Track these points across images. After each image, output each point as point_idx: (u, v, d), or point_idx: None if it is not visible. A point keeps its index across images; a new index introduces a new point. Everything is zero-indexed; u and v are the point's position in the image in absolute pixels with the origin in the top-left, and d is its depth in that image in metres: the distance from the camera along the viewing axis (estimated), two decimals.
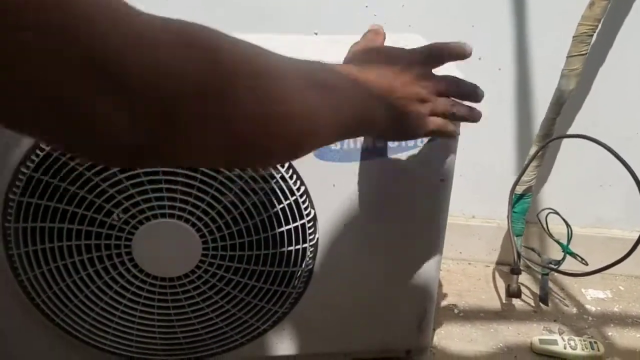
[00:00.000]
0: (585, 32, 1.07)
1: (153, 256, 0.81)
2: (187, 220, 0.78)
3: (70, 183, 0.75)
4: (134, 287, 0.83)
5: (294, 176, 0.78)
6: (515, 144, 1.27)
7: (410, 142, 0.77)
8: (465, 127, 1.20)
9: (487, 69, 1.18)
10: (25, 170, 0.74)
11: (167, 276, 0.83)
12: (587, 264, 1.15)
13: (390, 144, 0.77)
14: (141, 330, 0.88)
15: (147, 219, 0.78)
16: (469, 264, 1.38)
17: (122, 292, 0.84)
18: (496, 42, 1.16)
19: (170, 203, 0.77)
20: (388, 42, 0.90)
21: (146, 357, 0.91)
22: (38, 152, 0.73)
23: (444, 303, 1.23)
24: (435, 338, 1.12)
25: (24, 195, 0.75)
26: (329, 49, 0.90)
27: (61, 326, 0.86)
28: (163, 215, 0.78)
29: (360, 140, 0.76)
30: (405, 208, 0.82)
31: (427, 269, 0.89)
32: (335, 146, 0.76)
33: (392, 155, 0.77)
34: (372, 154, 0.77)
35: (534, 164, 1.20)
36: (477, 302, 1.24)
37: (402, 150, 0.77)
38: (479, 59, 1.17)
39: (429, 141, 0.77)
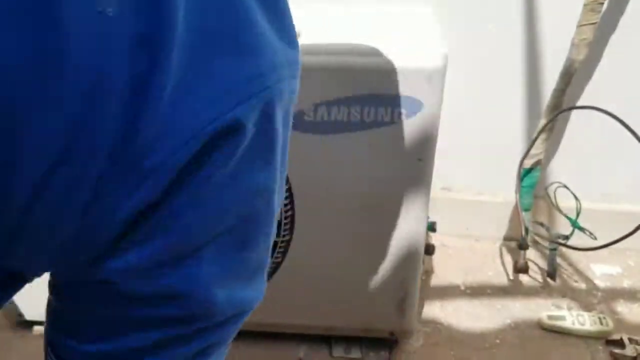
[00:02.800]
0: (596, 0, 1.00)
1: None
2: None
3: None
4: None
5: None
6: (524, 118, 1.20)
7: (387, 118, 0.74)
8: (474, 102, 1.17)
9: (497, 40, 1.12)
10: None
11: None
12: (595, 239, 1.10)
13: (366, 118, 0.74)
14: None
15: None
16: (476, 240, 1.33)
17: None
18: (507, 13, 1.10)
19: None
20: (395, 15, 0.87)
21: None
22: None
23: (450, 280, 1.20)
24: (442, 315, 1.10)
25: None
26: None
27: None
28: None
29: (334, 112, 0.74)
30: (383, 185, 0.80)
31: (408, 250, 0.86)
32: (309, 117, 0.75)
33: (367, 130, 0.75)
34: (346, 128, 0.75)
35: (542, 136, 1.14)
36: (484, 278, 1.21)
37: (378, 126, 0.75)
38: (489, 30, 1.10)
39: (406, 118, 0.74)
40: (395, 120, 0.74)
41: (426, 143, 0.76)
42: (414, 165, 0.78)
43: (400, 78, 0.71)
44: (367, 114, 0.74)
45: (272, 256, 0.87)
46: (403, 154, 0.77)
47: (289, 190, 0.81)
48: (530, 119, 1.20)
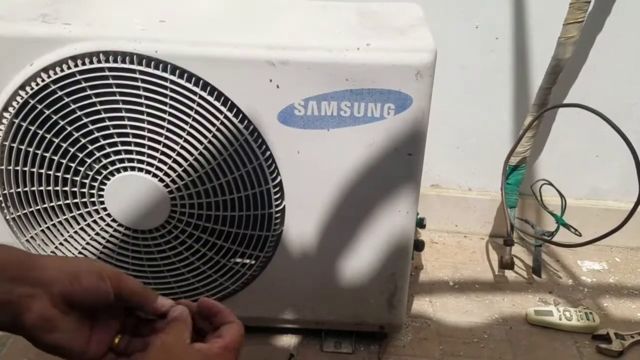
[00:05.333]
0: None
1: (124, 208, 0.84)
2: (155, 176, 0.80)
3: (46, 131, 0.78)
4: (108, 235, 0.87)
5: (259, 140, 0.78)
6: (512, 115, 1.22)
7: (376, 113, 0.75)
8: (462, 97, 1.18)
9: (484, 37, 1.13)
10: (7, 116, 0.78)
11: (139, 228, 0.86)
12: (580, 235, 1.13)
13: (356, 113, 0.75)
14: None
15: (118, 170, 0.81)
16: (465, 236, 1.35)
17: (98, 240, 0.88)
18: (494, 10, 1.11)
19: (138, 157, 0.79)
20: (384, 12, 0.88)
21: None
22: (18, 99, 0.77)
23: (439, 275, 1.22)
24: (430, 310, 1.11)
25: (7, 140, 0.80)
26: (315, 14, 0.88)
27: None
28: (133, 169, 0.80)
29: (324, 107, 0.75)
30: (373, 180, 0.81)
31: (398, 244, 0.87)
32: (299, 112, 0.75)
33: (357, 126, 0.76)
34: (336, 123, 0.76)
35: (528, 134, 1.16)
36: (472, 274, 1.23)
37: (368, 122, 0.75)
38: (476, 27, 1.11)
39: (395, 114, 0.75)
40: (385, 116, 0.75)
41: (416, 138, 0.77)
42: (404, 160, 0.78)
43: (390, 73, 0.72)
44: (357, 109, 0.75)
45: (263, 250, 0.88)
46: (393, 148, 0.77)
47: (279, 183, 0.82)
48: (519, 117, 1.21)
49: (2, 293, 0.40)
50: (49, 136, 0.78)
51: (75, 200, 0.84)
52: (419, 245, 1.03)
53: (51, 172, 0.82)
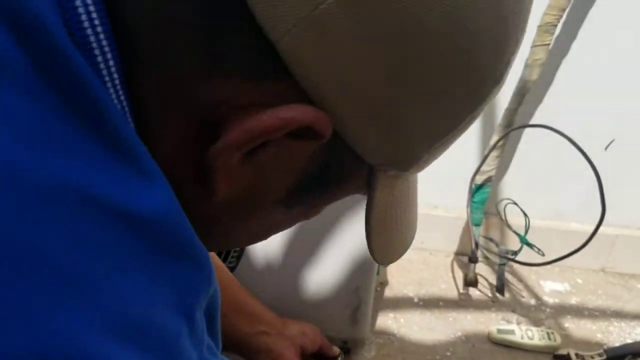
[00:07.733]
0: (549, 22, 1.03)
1: None
2: None
3: None
4: None
5: None
6: (480, 135, 1.24)
7: None
8: None
9: None
10: None
11: None
12: (543, 255, 1.14)
13: None
14: None
15: None
16: (430, 253, 1.36)
17: None
18: None
19: None
20: None
21: None
22: None
23: (404, 292, 1.21)
24: (394, 326, 1.10)
25: None
26: None
27: None
28: None
29: None
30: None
31: (363, 257, 0.86)
32: None
33: None
34: None
35: (494, 154, 1.17)
36: (436, 291, 1.23)
37: None
38: None
39: None
40: None
41: None
42: None
43: None
44: None
45: (226, 261, 0.85)
46: None
47: None
48: (487, 137, 1.22)
49: (273, 344, 0.71)
50: None
51: None
52: None
53: None
